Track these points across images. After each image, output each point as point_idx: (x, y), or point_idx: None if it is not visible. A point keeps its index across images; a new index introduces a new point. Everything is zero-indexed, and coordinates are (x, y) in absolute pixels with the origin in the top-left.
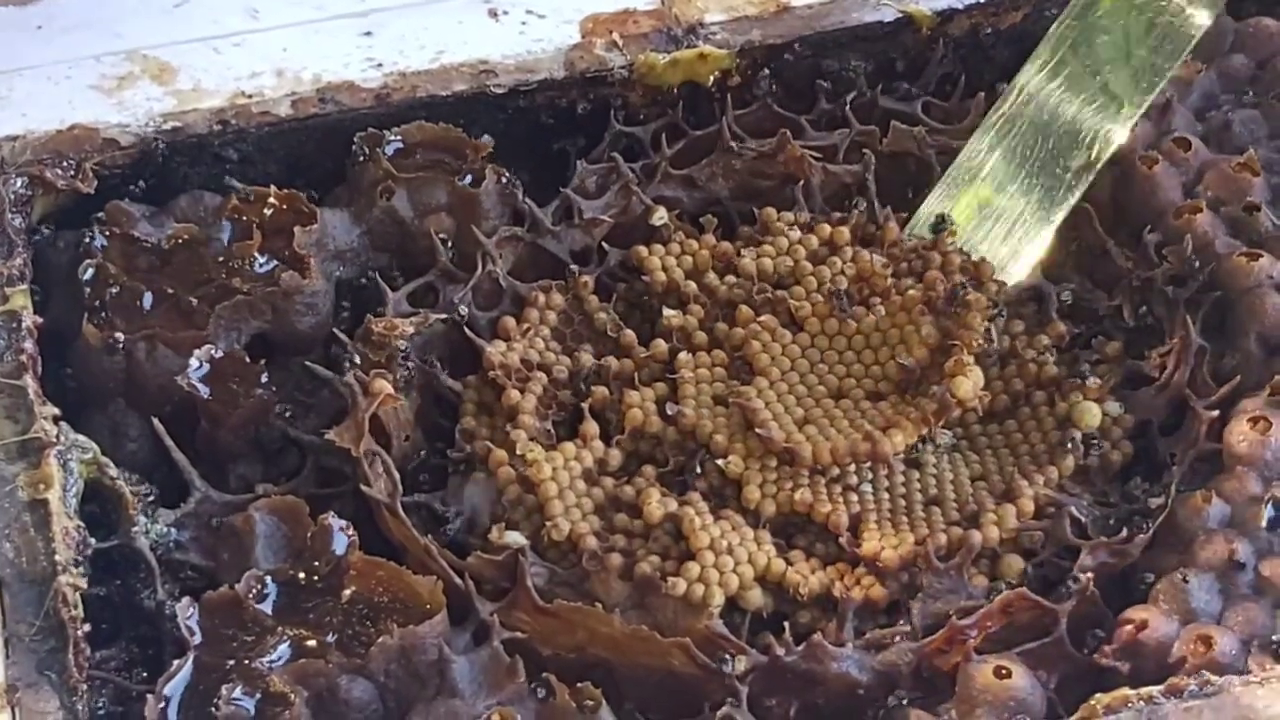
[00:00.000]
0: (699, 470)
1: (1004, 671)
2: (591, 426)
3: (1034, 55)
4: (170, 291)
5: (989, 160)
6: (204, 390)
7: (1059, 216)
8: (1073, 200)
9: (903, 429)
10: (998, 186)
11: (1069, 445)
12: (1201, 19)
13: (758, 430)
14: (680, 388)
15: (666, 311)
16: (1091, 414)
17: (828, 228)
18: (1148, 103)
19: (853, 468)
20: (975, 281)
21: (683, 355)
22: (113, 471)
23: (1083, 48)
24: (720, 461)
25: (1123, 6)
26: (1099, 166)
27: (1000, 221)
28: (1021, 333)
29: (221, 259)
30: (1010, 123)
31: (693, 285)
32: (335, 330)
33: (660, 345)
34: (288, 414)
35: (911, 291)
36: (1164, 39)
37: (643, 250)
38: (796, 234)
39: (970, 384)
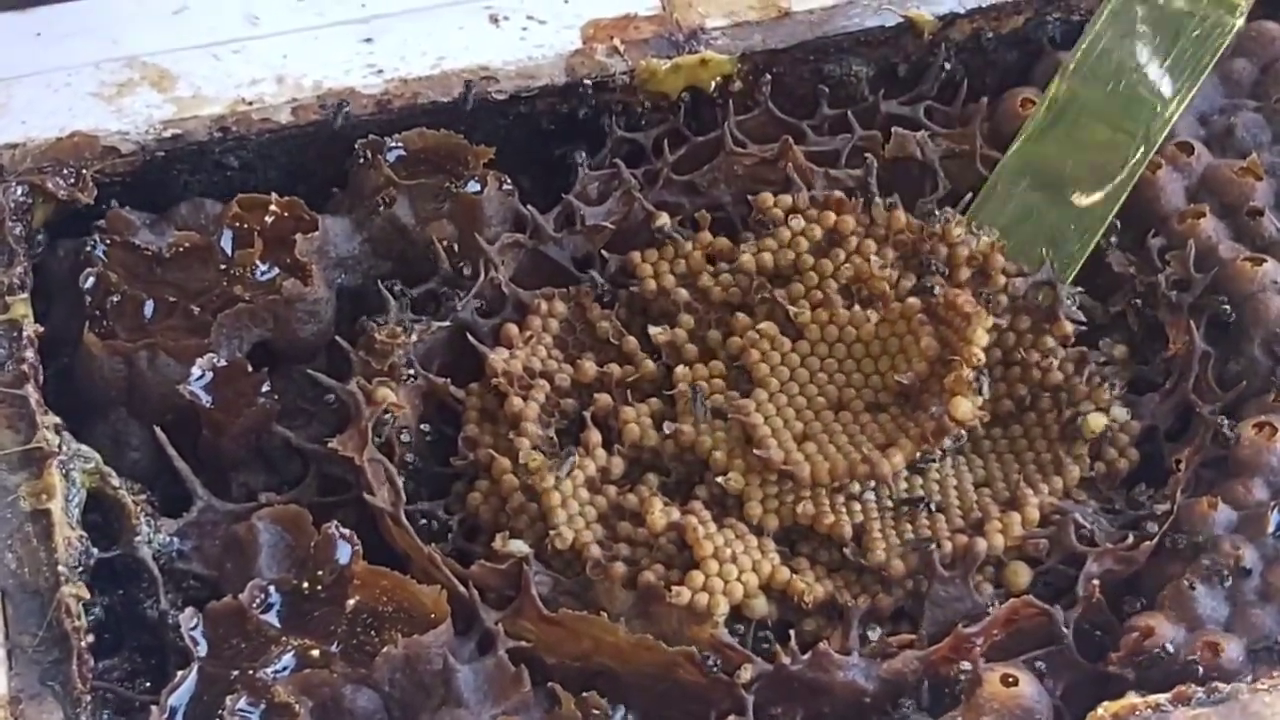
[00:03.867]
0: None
1: (1011, 679)
2: (594, 435)
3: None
4: (172, 299)
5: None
6: (206, 399)
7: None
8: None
9: (902, 448)
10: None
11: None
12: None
13: (756, 452)
14: (678, 402)
15: (652, 330)
16: (1097, 421)
17: (832, 216)
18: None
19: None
20: (982, 275)
21: (680, 369)
22: (115, 481)
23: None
24: (720, 479)
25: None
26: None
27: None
28: (1027, 330)
29: (223, 267)
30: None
31: (684, 293)
32: (338, 338)
33: (649, 366)
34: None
35: (911, 300)
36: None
37: (636, 256)
38: (800, 223)
39: (969, 405)
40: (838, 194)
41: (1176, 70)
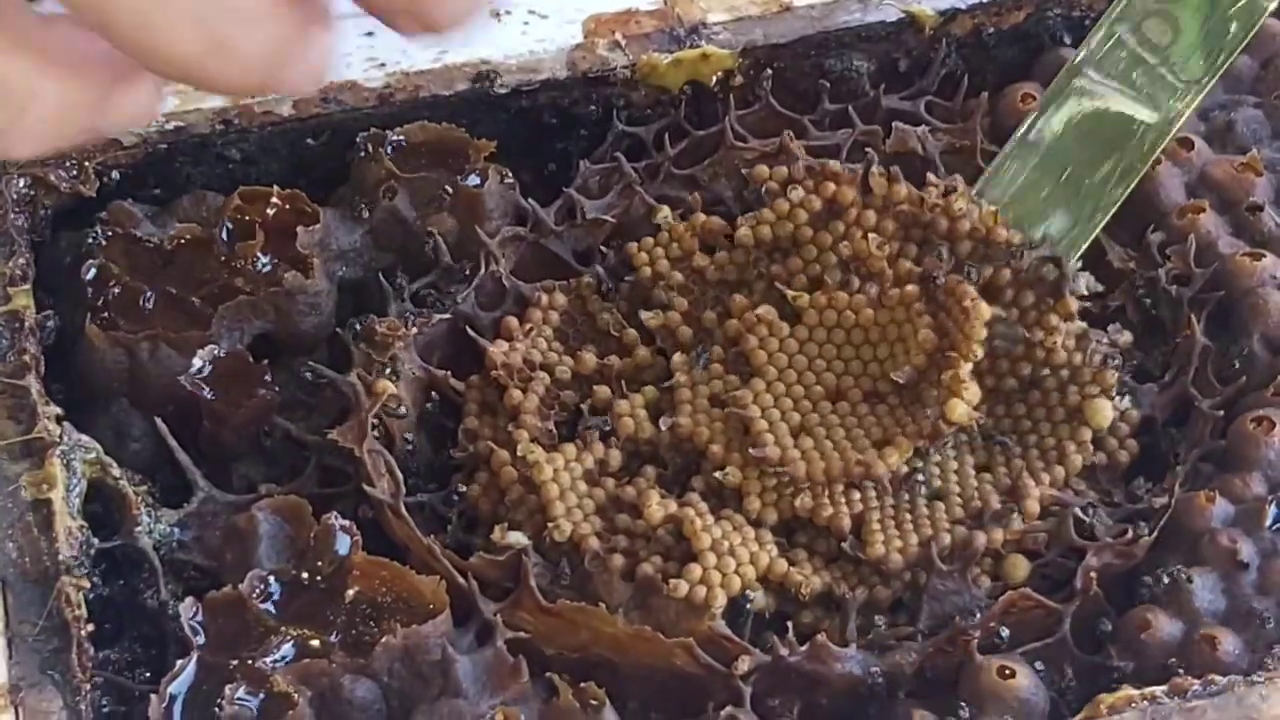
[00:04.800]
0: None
1: (1008, 671)
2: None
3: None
4: (173, 291)
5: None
6: (207, 390)
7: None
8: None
9: (898, 447)
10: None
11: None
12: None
13: (752, 451)
14: (676, 392)
15: (644, 314)
16: (1104, 413)
17: (831, 186)
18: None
19: None
20: (985, 253)
21: (677, 358)
22: (116, 471)
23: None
24: (718, 474)
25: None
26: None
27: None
28: (1030, 307)
29: (224, 259)
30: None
31: (678, 275)
32: (338, 330)
33: (642, 353)
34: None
35: (910, 287)
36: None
37: (633, 246)
38: (799, 194)
39: (964, 407)
40: (833, 163)
41: (1207, 48)
